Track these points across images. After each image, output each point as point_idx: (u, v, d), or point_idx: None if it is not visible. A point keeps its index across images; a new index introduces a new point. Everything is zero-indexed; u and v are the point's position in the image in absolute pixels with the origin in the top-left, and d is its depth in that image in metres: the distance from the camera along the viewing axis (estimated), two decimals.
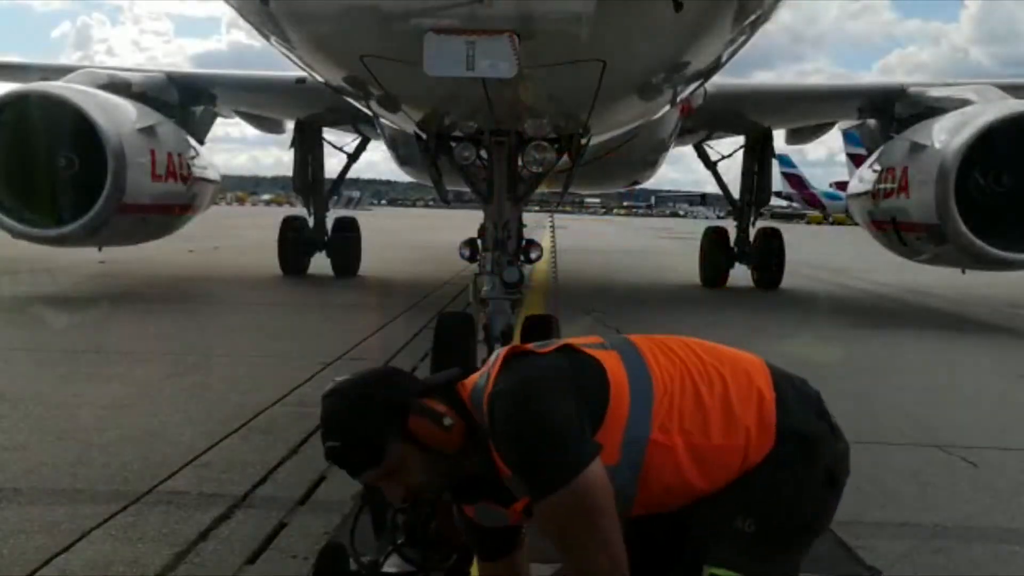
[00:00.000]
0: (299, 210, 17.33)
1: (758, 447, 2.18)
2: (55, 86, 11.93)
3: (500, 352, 2.29)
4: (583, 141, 6.46)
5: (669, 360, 2.24)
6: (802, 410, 2.28)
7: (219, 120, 16.33)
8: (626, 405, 2.11)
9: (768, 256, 16.20)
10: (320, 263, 16.26)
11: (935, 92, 13.20)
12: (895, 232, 12.47)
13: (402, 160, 14.95)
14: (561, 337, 2.69)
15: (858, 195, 13.83)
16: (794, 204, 79.29)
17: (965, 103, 12.08)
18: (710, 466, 2.17)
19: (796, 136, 17.68)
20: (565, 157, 6.25)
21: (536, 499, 2.04)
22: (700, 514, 2.25)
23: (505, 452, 2.09)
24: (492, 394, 2.14)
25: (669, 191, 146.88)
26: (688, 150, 17.90)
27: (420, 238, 30.64)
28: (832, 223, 69.40)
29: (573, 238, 28.46)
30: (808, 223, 72.54)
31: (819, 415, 2.33)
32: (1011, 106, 11.37)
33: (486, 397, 2.16)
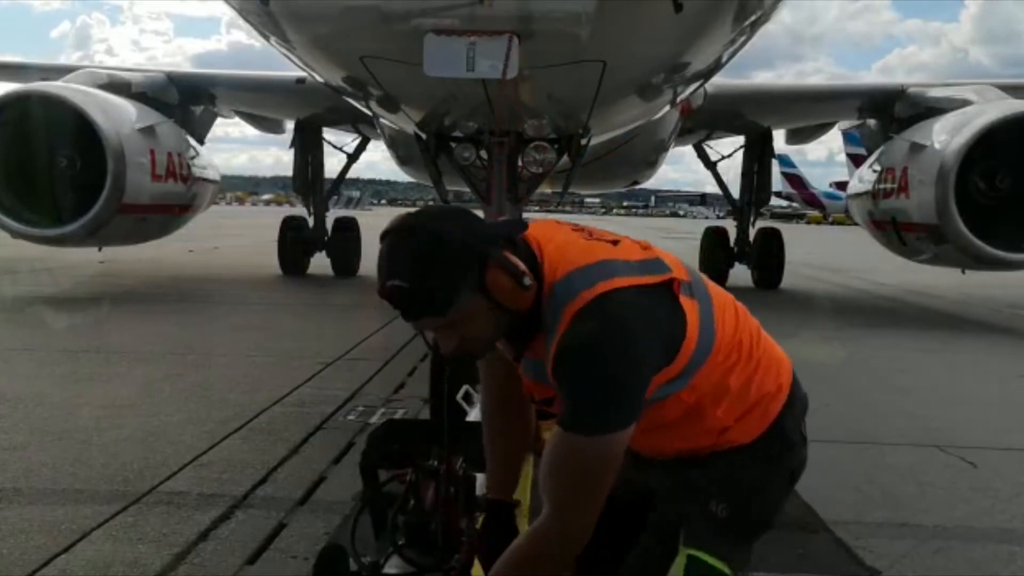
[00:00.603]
0: (299, 210, 17.33)
1: (743, 431, 2.17)
2: (55, 86, 11.94)
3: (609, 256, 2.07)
4: (583, 141, 6.47)
5: (733, 326, 2.19)
6: (801, 415, 2.29)
7: (219, 120, 16.35)
8: (682, 365, 2.08)
9: (768, 256, 16.21)
10: (320, 263, 16.26)
11: (935, 92, 13.22)
12: (895, 232, 12.48)
13: (402, 160, 14.96)
14: None
15: (858, 195, 13.85)
16: (794, 204, 79.27)
17: (965, 103, 12.09)
18: (696, 429, 2.17)
19: (796, 136, 17.69)
20: (565, 157, 6.25)
21: (562, 427, 1.97)
22: (672, 491, 2.24)
23: (566, 367, 1.95)
24: (591, 307, 1.94)
25: (669, 191, 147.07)
26: (688, 150, 17.92)
27: None
28: (832, 223, 69.41)
29: None
30: (808, 223, 72.54)
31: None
32: (1011, 106, 11.38)
33: (580, 300, 1.95)
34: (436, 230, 1.96)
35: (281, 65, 8.13)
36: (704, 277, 2.26)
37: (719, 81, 11.44)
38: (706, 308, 2.13)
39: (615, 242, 2.15)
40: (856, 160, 28.55)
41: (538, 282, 2.01)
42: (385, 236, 1.99)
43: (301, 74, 9.14)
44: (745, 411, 2.17)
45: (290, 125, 16.58)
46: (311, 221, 16.47)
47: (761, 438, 2.18)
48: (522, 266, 1.97)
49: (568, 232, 2.18)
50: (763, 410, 2.19)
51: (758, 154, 16.63)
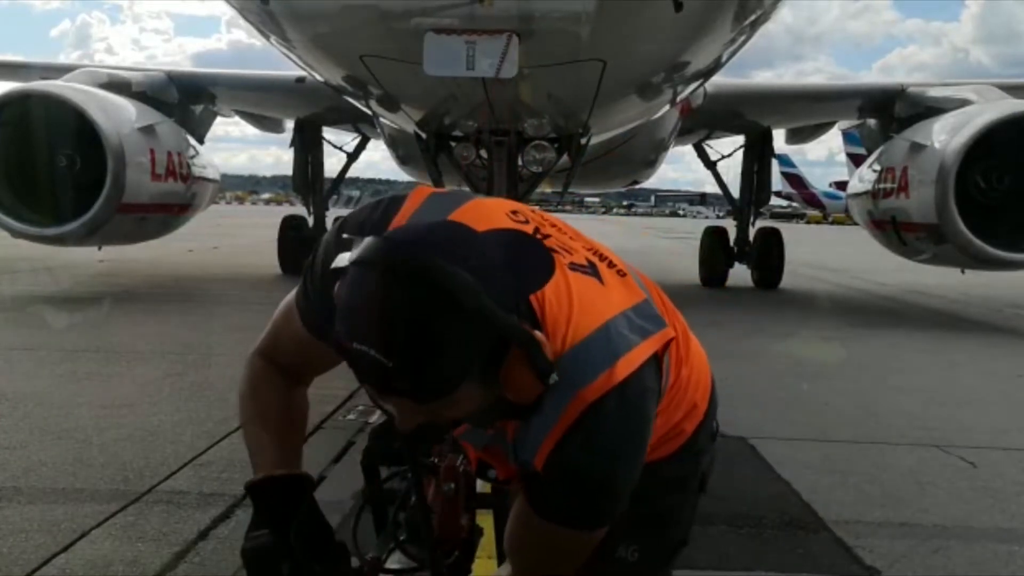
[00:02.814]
0: (299, 209, 17.34)
1: (657, 452, 1.89)
2: (55, 85, 11.94)
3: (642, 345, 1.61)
4: (583, 141, 6.47)
5: (676, 358, 1.85)
6: (713, 415, 2.03)
7: (219, 119, 16.38)
8: None
9: (768, 256, 16.22)
10: None
11: (935, 92, 13.23)
12: (895, 232, 12.49)
13: (402, 160, 14.98)
14: None
15: (858, 195, 13.86)
16: (794, 204, 79.35)
17: (965, 103, 12.11)
18: None
19: (796, 136, 17.70)
20: (565, 157, 6.25)
21: (549, 520, 1.69)
22: None
23: (575, 467, 1.59)
24: (611, 398, 1.55)
25: (669, 190, 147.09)
26: (688, 149, 17.94)
27: None
28: (832, 223, 69.46)
29: None
30: (808, 223, 72.59)
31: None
32: (1011, 106, 11.39)
33: (598, 387, 1.53)
34: (449, 283, 1.38)
35: (281, 64, 8.13)
36: (653, 292, 1.86)
37: (719, 80, 11.45)
38: (665, 361, 1.78)
39: (591, 265, 1.70)
40: (856, 160, 28.58)
41: None
42: (361, 266, 1.43)
43: (301, 73, 9.14)
44: (662, 437, 1.89)
45: (290, 124, 16.61)
46: (311, 220, 16.48)
47: (675, 455, 1.93)
48: (549, 353, 1.49)
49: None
50: (679, 431, 1.93)
51: (758, 154, 16.64)
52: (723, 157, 17.16)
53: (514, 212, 1.76)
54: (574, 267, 1.66)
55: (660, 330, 1.67)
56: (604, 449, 1.57)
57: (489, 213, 1.73)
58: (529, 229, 1.71)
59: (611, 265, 1.75)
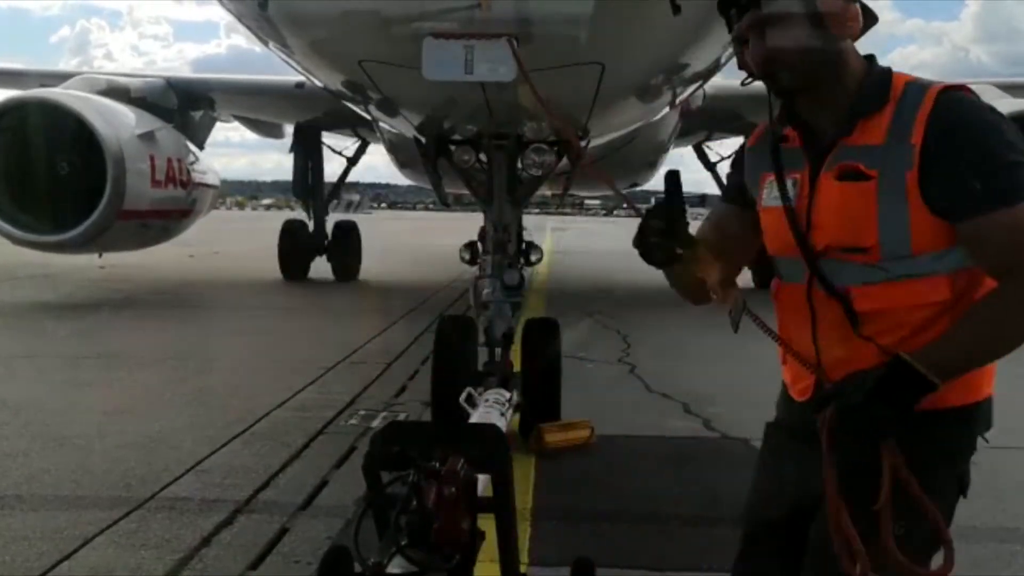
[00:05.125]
0: (299, 214, 17.34)
1: (958, 384, 1.96)
2: (54, 92, 11.95)
3: None
4: (583, 144, 6.46)
5: None
6: (985, 421, 2.13)
7: (218, 124, 16.36)
8: None
9: (768, 256, 16.19)
10: (320, 267, 16.26)
11: None
12: None
13: (402, 163, 14.96)
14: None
15: None
16: None
17: None
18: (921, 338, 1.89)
19: None
20: (564, 159, 6.24)
21: (1003, 204, 1.72)
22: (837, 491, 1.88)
23: (964, 136, 1.75)
24: (957, 89, 1.82)
25: None
26: (688, 151, 17.94)
27: (420, 241, 30.61)
28: None
29: (574, 240, 28.41)
30: None
31: None
32: (1008, 105, 11.39)
33: (942, 84, 1.83)
34: None
35: (280, 69, 8.13)
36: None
37: (718, 82, 11.42)
38: None
39: None
40: None
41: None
42: None
43: (300, 78, 9.14)
44: (959, 382, 1.93)
45: (290, 129, 16.60)
46: (311, 225, 16.47)
47: (959, 411, 1.99)
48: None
49: None
50: (980, 382, 2.05)
51: None
52: (723, 159, 17.16)
53: None
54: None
55: None
56: (972, 107, 1.78)
57: None
58: None
59: None
